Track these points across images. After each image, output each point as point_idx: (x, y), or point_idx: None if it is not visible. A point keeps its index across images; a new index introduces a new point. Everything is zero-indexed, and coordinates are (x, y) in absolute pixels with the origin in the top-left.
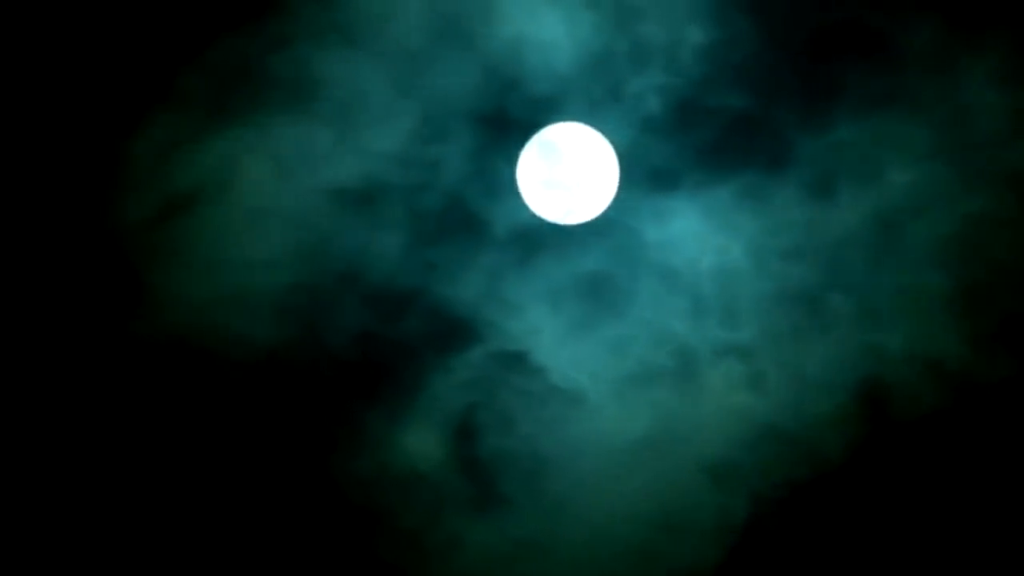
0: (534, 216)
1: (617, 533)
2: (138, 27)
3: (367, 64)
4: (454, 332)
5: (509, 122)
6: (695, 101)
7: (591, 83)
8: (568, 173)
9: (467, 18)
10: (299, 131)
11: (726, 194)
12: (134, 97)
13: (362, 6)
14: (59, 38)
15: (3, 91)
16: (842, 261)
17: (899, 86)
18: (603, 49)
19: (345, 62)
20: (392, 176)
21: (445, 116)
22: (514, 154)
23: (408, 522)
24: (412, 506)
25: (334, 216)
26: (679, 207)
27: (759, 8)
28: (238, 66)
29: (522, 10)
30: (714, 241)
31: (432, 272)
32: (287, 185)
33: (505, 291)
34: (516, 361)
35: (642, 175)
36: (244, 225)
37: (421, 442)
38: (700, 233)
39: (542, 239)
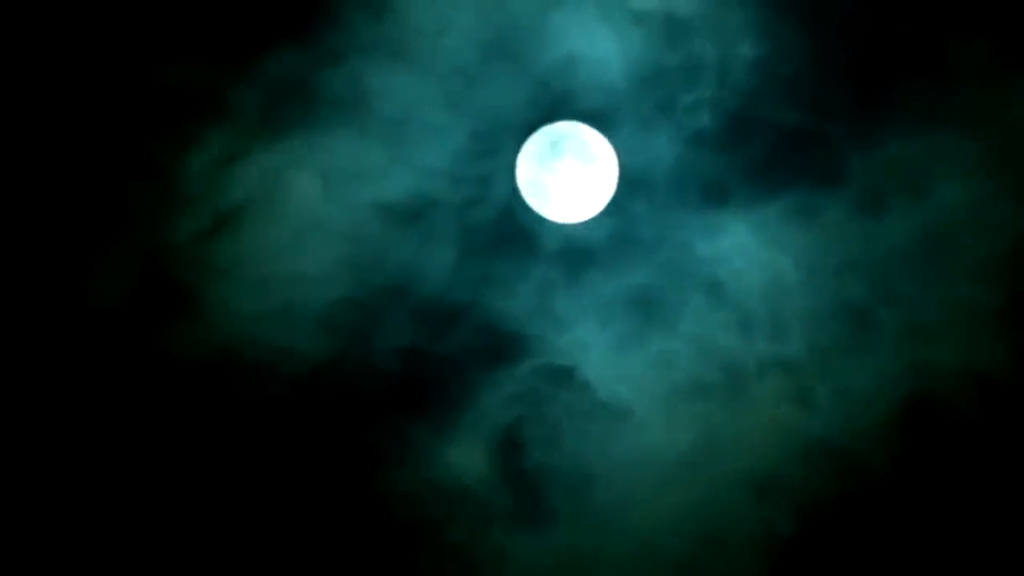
0: (582, 231)
1: (662, 547)
2: (190, 42)
3: (418, 79)
4: (501, 346)
5: (559, 139)
6: (746, 116)
7: (641, 98)
8: (587, 180)
9: (518, 34)
10: (350, 146)
11: (776, 209)
12: (185, 112)
13: (414, 22)
14: (112, 54)
15: (54, 106)
16: (891, 276)
17: (950, 102)
18: (653, 65)
19: (396, 77)
20: (442, 191)
21: (496, 131)
22: (562, 173)
23: (454, 536)
24: (458, 520)
25: (384, 231)
26: (729, 222)
27: (810, 23)
28: (289, 81)
29: (573, 26)
30: (763, 255)
31: (480, 287)
32: (337, 200)
33: (553, 306)
34: (563, 376)
35: (692, 190)
36: (294, 240)
37: (467, 456)
38: (749, 247)
39: (591, 254)
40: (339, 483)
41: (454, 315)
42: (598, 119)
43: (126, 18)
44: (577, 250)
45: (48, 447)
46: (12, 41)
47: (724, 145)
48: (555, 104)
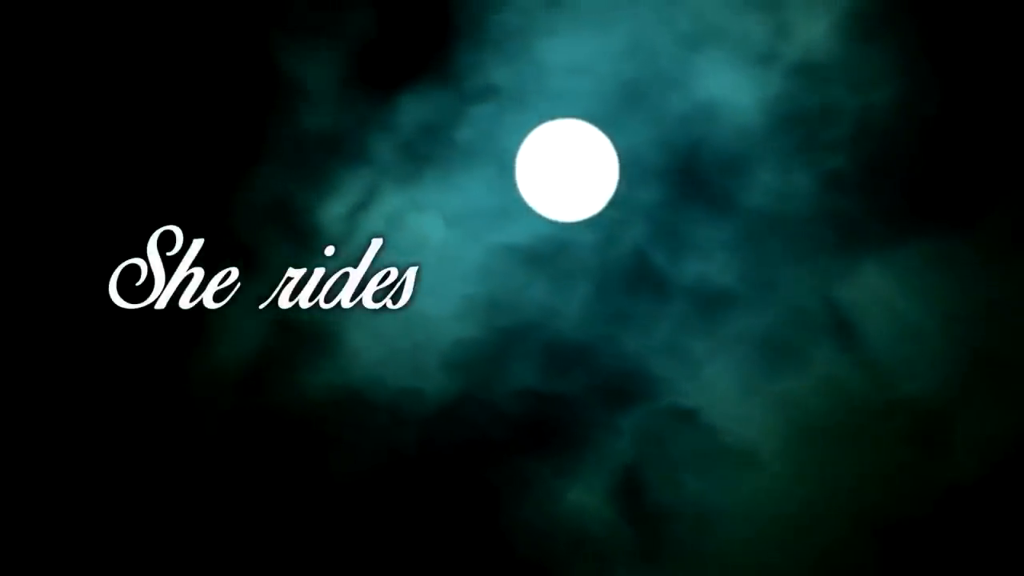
0: (712, 270)
1: None
2: (326, 87)
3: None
4: (627, 387)
5: (694, 181)
6: (884, 157)
7: (777, 140)
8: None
9: (654, 78)
10: (483, 188)
11: (912, 251)
12: (322, 156)
13: (549, 67)
14: (246, 99)
15: (185, 156)
16: None
17: None
18: (790, 106)
19: (529, 122)
20: (575, 233)
21: (631, 174)
22: (697, 215)
23: (576, 575)
24: (580, 559)
25: (514, 272)
26: (864, 263)
27: (951, 64)
28: (425, 125)
29: (708, 70)
30: (897, 298)
31: (608, 327)
32: (468, 242)
33: (680, 346)
34: (686, 417)
35: (828, 231)
36: (424, 282)
37: (589, 496)
38: (883, 289)
39: (720, 296)
40: (460, 521)
41: (580, 355)
42: (733, 161)
43: (259, 65)
44: (705, 291)
45: (173, 477)
46: (141, 81)
47: (861, 186)
48: (691, 147)
